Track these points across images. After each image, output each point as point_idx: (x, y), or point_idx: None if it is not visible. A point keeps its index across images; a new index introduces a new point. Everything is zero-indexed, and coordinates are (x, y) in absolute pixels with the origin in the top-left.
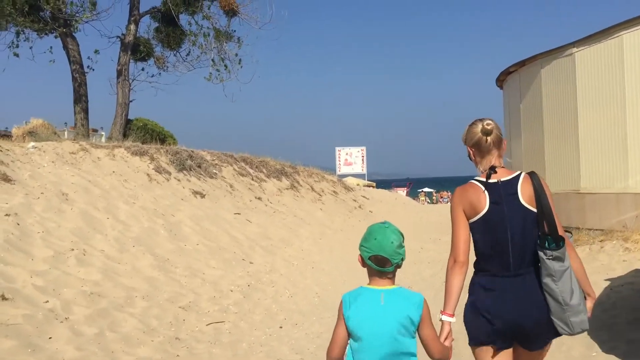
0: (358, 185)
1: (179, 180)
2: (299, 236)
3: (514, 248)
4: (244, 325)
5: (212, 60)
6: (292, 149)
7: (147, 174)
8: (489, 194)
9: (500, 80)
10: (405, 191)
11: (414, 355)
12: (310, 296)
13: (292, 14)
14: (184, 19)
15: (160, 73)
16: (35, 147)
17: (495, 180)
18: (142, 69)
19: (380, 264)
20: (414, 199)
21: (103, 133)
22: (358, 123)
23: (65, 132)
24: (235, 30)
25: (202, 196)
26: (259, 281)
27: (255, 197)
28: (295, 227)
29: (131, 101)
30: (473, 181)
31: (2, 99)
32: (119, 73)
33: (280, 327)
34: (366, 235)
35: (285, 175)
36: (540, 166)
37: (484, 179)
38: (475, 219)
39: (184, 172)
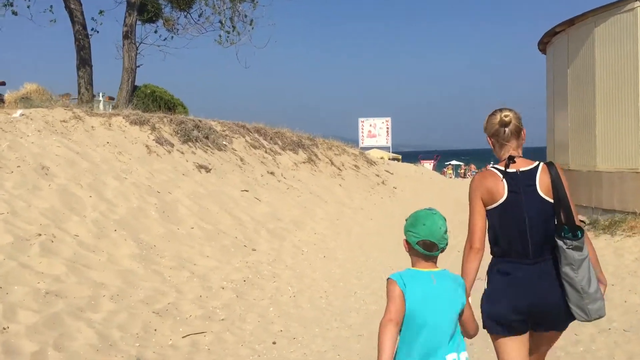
0: (382, 158)
1: (182, 152)
2: (314, 216)
3: (532, 237)
4: (230, 339)
5: (221, 22)
6: (312, 119)
7: (146, 146)
8: (507, 183)
9: (544, 43)
10: (432, 164)
11: (460, 334)
12: (316, 296)
13: None
14: None
15: (172, 37)
16: (23, 115)
17: (514, 170)
18: (155, 31)
19: (429, 248)
20: (441, 173)
21: (101, 99)
22: (384, 91)
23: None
24: None
25: (208, 170)
26: (259, 274)
27: (268, 172)
28: (311, 205)
29: (138, 66)
30: (492, 169)
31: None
32: (125, 35)
33: (274, 343)
34: (413, 221)
35: (303, 148)
36: (589, 141)
37: (503, 168)
38: (493, 206)
39: (189, 143)
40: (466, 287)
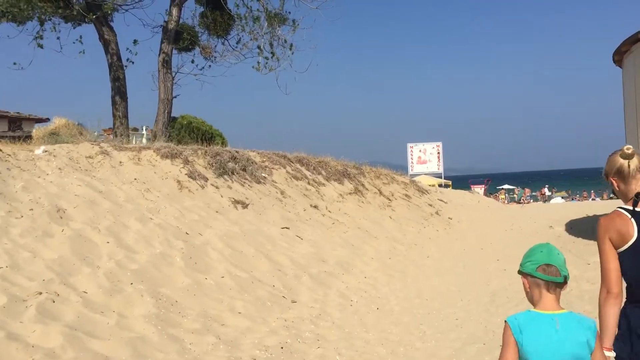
0: (433, 186)
1: (217, 187)
2: (363, 256)
3: None
4: None
5: (259, 47)
6: (358, 146)
7: (178, 181)
8: (637, 223)
9: (622, 53)
10: (482, 189)
11: None
12: None
13: None
14: (231, 2)
15: (210, 65)
16: (46, 152)
17: None
18: (192, 61)
19: (552, 273)
20: (490, 196)
21: (144, 132)
22: (430, 114)
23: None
24: (289, 12)
25: (245, 206)
26: (299, 337)
27: (311, 206)
28: (359, 242)
29: (175, 97)
30: (619, 209)
31: (34, 95)
32: (161, 65)
33: None
34: (529, 252)
35: (349, 178)
36: None
37: (631, 207)
38: (624, 248)
39: (225, 177)
40: (605, 335)
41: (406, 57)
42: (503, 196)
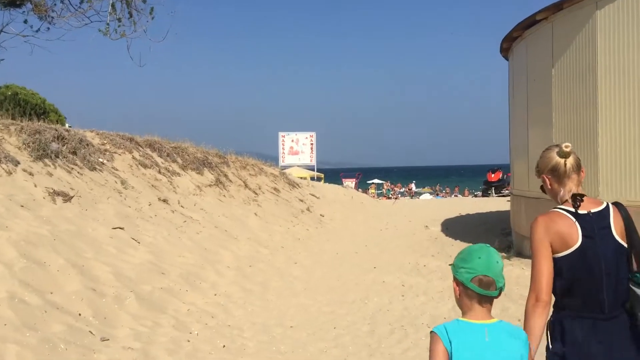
0: (304, 179)
1: (30, 174)
2: (217, 263)
3: (608, 287)
4: None
5: (112, 5)
6: (223, 133)
7: None
8: (581, 227)
9: (511, 40)
10: (354, 182)
11: None
12: None
13: None
14: None
15: (48, 28)
16: None
17: (586, 212)
18: (25, 21)
19: (486, 286)
20: (363, 192)
21: None
22: (302, 104)
23: None
24: None
25: (67, 199)
26: None
27: (160, 199)
28: (214, 246)
29: None
30: (560, 211)
31: None
32: None
33: None
34: (465, 256)
35: (209, 167)
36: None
37: (572, 209)
38: (565, 253)
39: (46, 160)
40: (531, 347)
41: (285, 43)
42: (373, 191)
